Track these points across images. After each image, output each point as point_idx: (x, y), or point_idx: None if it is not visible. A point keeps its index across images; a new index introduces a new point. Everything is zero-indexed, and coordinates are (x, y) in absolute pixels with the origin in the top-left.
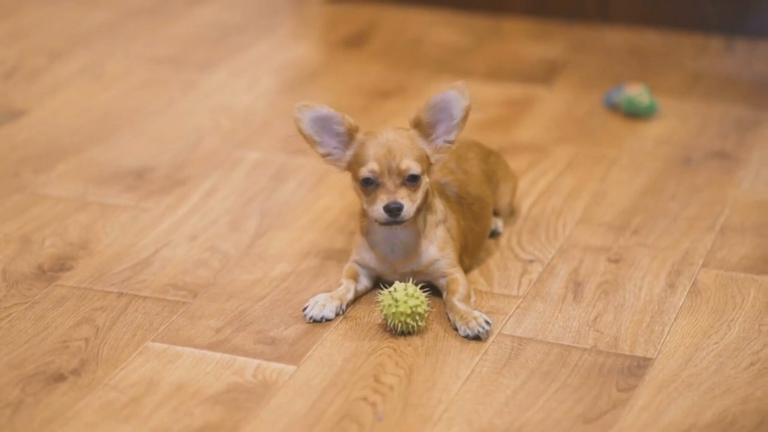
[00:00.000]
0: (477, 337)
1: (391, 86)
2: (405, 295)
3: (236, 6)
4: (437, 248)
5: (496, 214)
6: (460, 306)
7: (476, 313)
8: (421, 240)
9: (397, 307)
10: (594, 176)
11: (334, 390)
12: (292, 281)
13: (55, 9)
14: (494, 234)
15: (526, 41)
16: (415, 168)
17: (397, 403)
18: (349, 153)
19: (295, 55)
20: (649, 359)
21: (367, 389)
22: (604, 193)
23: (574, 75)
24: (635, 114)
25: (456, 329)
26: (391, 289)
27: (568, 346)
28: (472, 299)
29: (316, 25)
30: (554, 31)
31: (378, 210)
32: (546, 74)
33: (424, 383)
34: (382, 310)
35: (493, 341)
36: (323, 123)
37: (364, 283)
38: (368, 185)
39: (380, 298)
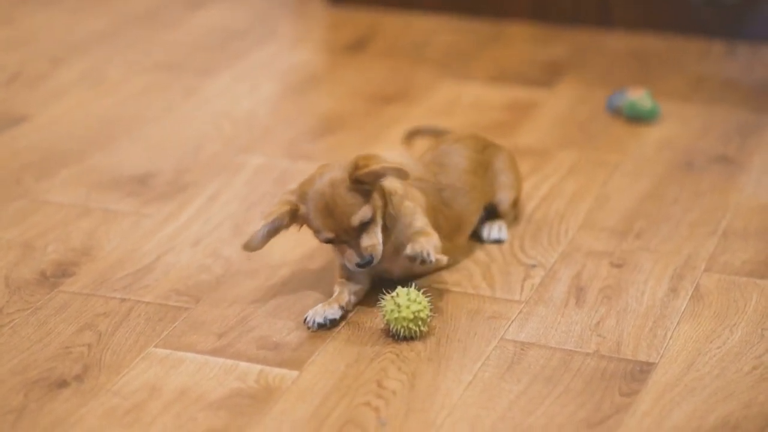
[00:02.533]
0: (414, 258)
1: (393, 91)
2: (407, 300)
3: (237, 11)
4: (408, 221)
5: (496, 212)
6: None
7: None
8: (396, 238)
9: (399, 312)
10: (596, 180)
11: (337, 395)
12: (295, 286)
13: (56, 15)
14: (498, 241)
15: (528, 45)
16: (365, 215)
17: (400, 408)
18: (306, 224)
19: (297, 60)
20: (652, 364)
21: (370, 394)
22: (607, 198)
23: (576, 79)
24: (637, 118)
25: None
26: (394, 294)
27: (571, 350)
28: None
29: (318, 30)
30: (556, 36)
31: (350, 266)
32: (548, 78)
33: (427, 388)
34: (384, 315)
35: (496, 346)
36: (271, 233)
37: (360, 284)
38: (330, 243)
39: (382, 303)
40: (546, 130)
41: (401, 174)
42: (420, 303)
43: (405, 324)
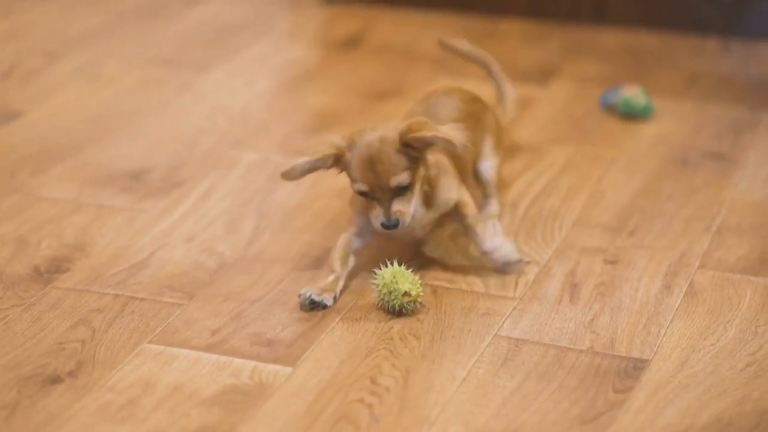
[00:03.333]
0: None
1: (387, 87)
2: (401, 277)
3: (233, 7)
4: (447, 193)
5: (478, 179)
6: (479, 229)
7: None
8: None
9: (396, 284)
10: (591, 177)
11: (331, 392)
12: (289, 283)
13: (51, 9)
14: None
15: (523, 42)
16: (403, 180)
17: (394, 404)
18: (346, 171)
19: (292, 56)
20: (646, 361)
21: (363, 391)
22: (601, 194)
23: (570, 76)
24: (632, 115)
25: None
26: (386, 271)
27: (565, 347)
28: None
29: (313, 26)
30: (550, 33)
31: (375, 222)
32: (542, 75)
33: (421, 385)
34: (380, 290)
35: (490, 343)
36: (312, 170)
37: (352, 263)
38: (363, 195)
39: (376, 280)
40: (541, 127)
41: (450, 146)
42: (413, 281)
43: (399, 298)
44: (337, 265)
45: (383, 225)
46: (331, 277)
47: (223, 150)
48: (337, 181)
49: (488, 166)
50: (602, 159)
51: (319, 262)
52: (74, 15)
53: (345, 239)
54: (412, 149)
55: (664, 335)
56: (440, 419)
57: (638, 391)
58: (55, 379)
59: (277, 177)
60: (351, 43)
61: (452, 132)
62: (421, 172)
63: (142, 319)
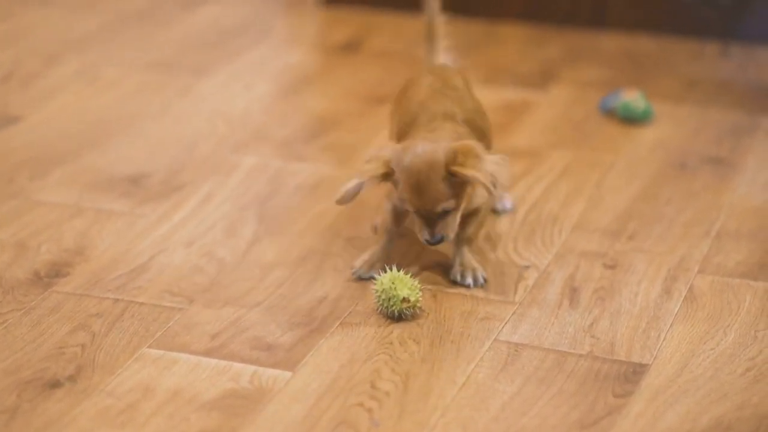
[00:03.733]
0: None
1: (387, 91)
2: (399, 282)
3: (232, 11)
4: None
5: None
6: (466, 253)
7: (476, 266)
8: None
9: (395, 291)
10: (590, 181)
11: (331, 396)
12: (289, 287)
13: (50, 13)
14: (503, 212)
15: (522, 46)
16: (449, 206)
17: (394, 409)
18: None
19: (291, 60)
20: (645, 365)
21: (363, 395)
22: (600, 199)
23: (569, 80)
24: (631, 119)
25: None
26: (384, 277)
27: (564, 352)
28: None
29: (312, 30)
30: (550, 37)
31: (419, 236)
32: (542, 79)
33: (421, 389)
34: (379, 296)
35: (489, 347)
36: (363, 189)
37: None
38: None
39: (375, 286)
40: (540, 131)
41: (488, 189)
42: (412, 286)
43: (398, 303)
44: (390, 225)
45: (427, 242)
46: (381, 243)
47: (223, 154)
48: (336, 186)
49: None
50: (601, 163)
51: (319, 266)
52: (73, 18)
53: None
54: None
55: (663, 340)
56: (440, 424)
57: (638, 395)
58: (55, 384)
59: (276, 181)
60: (350, 47)
61: (495, 169)
62: (466, 196)
63: (142, 324)
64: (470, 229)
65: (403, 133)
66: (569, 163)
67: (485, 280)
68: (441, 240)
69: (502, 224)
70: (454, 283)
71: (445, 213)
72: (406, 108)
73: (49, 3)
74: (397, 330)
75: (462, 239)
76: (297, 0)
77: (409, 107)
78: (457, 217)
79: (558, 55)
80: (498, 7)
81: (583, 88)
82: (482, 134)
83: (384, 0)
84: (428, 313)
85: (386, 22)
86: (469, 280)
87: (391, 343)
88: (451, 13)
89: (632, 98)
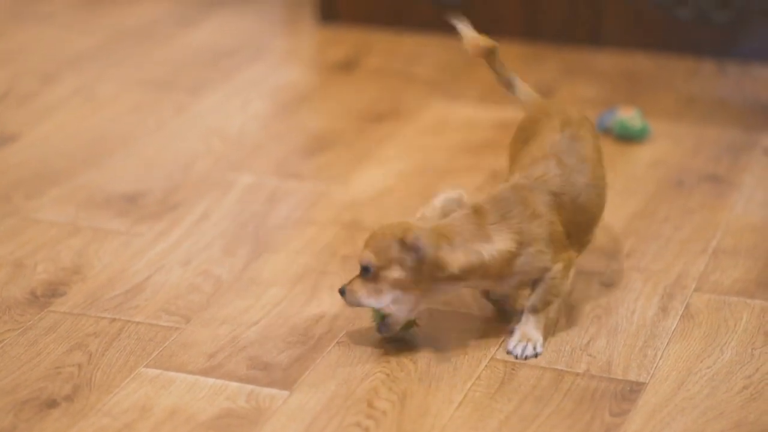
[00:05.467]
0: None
1: (384, 109)
2: None
3: (229, 29)
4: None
5: None
6: (528, 322)
7: (533, 337)
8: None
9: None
10: None
11: (327, 415)
12: (286, 306)
13: (46, 31)
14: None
15: (518, 64)
16: (370, 263)
17: (390, 428)
18: None
19: (288, 78)
20: (642, 384)
21: (360, 414)
22: None
23: (566, 98)
24: (628, 137)
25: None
26: None
27: (561, 370)
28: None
29: (309, 48)
30: (546, 54)
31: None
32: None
33: (417, 408)
34: (375, 314)
35: (486, 366)
36: None
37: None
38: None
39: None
40: None
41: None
42: None
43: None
44: None
45: (340, 292)
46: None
47: (219, 173)
48: (332, 205)
49: None
50: None
51: (315, 285)
52: (69, 37)
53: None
54: None
55: (660, 358)
56: None
57: (635, 414)
58: (52, 404)
59: (273, 199)
60: (347, 66)
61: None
62: (409, 279)
63: (139, 343)
64: (535, 299)
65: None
66: None
67: (536, 354)
68: (343, 293)
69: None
70: (507, 352)
71: (366, 271)
72: (518, 148)
73: (44, 21)
74: (394, 349)
75: (529, 308)
76: (294, 18)
77: (519, 148)
78: (383, 289)
79: (554, 73)
80: (495, 24)
81: (579, 105)
82: (579, 226)
83: (381, 18)
84: (425, 332)
85: (383, 41)
86: (517, 351)
87: (388, 362)
88: (447, 31)
89: (629, 116)
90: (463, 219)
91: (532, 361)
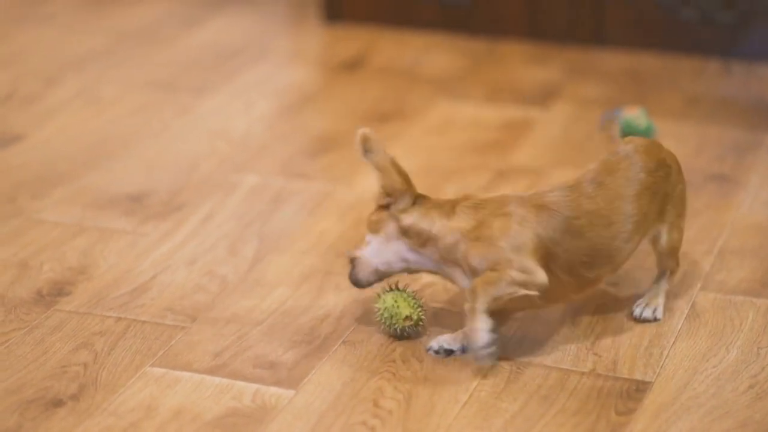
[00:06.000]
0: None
1: (389, 109)
2: (402, 300)
3: (233, 29)
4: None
5: (656, 253)
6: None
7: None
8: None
9: (397, 308)
10: None
11: (333, 414)
12: (291, 305)
13: (50, 33)
14: (643, 320)
15: (523, 64)
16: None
17: (396, 427)
18: None
19: (293, 78)
20: (648, 383)
21: (366, 413)
22: None
23: (571, 98)
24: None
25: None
26: (384, 296)
27: (567, 369)
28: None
29: (314, 49)
30: (551, 54)
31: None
32: (543, 97)
33: (423, 407)
34: (381, 314)
35: (492, 365)
36: None
37: None
38: None
39: (377, 304)
40: (541, 149)
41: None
42: (414, 305)
43: (400, 322)
44: None
45: None
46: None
47: (224, 173)
48: (337, 205)
49: (664, 239)
50: None
51: (320, 285)
52: (73, 39)
53: None
54: None
55: (666, 357)
56: None
57: (640, 413)
58: (58, 403)
59: (278, 200)
60: (352, 65)
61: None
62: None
63: (144, 342)
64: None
65: None
66: None
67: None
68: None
69: (670, 284)
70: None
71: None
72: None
73: (47, 23)
74: (400, 348)
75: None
76: (299, 18)
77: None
78: (367, 239)
79: (559, 73)
80: (499, 24)
81: (584, 105)
82: (574, 254)
83: (386, 18)
84: (431, 331)
85: (388, 40)
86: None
87: (394, 361)
88: (453, 31)
89: (634, 115)
90: (449, 200)
91: (538, 360)
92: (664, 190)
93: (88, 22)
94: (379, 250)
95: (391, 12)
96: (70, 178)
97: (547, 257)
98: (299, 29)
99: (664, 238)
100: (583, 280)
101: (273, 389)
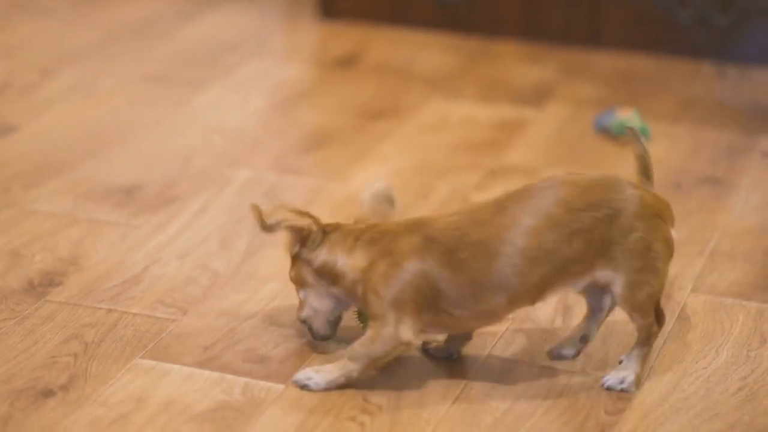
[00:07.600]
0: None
1: (383, 106)
2: None
3: (229, 24)
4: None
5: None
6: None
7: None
8: None
9: None
10: None
11: (323, 410)
12: (282, 300)
13: (46, 25)
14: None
15: (517, 63)
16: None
17: (386, 423)
18: None
19: (287, 74)
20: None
21: (355, 409)
22: None
23: (565, 98)
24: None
25: None
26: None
27: (557, 369)
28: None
29: (309, 45)
30: (545, 54)
31: None
32: (537, 97)
33: (413, 404)
34: (359, 314)
35: (482, 363)
36: None
37: None
38: None
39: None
40: (535, 149)
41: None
42: None
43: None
44: None
45: None
46: None
47: (218, 167)
48: (329, 200)
49: (621, 290)
50: None
51: None
52: (69, 31)
53: None
54: None
55: (655, 358)
56: None
57: (629, 413)
58: (48, 393)
59: (271, 195)
60: (347, 62)
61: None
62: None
63: (135, 334)
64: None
65: None
66: None
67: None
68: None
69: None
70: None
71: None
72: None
73: (45, 15)
74: None
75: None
76: (294, 14)
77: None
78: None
79: (553, 73)
80: (494, 24)
81: (578, 106)
82: (461, 289)
83: (381, 15)
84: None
85: (383, 37)
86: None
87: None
88: (448, 29)
89: (627, 117)
90: (354, 229)
91: (529, 359)
92: (601, 235)
93: (86, 14)
94: (316, 301)
95: (386, 9)
96: (64, 170)
97: (432, 295)
98: (295, 25)
99: (618, 291)
100: (478, 313)
101: (263, 383)
